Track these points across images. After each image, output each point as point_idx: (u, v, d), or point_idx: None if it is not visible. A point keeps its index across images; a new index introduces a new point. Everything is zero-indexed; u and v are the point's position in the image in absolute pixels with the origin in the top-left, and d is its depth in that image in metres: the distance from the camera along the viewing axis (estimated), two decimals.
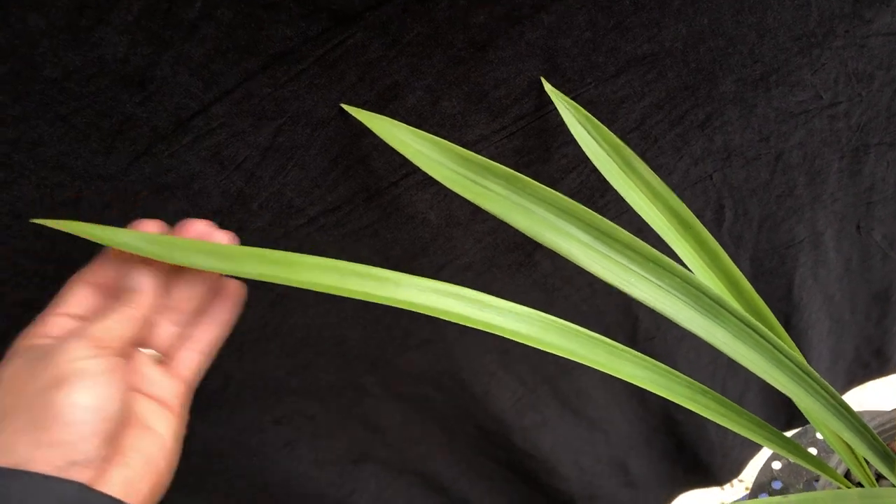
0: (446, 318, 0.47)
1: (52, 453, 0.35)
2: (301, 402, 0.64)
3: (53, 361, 0.37)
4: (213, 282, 0.46)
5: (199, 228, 0.44)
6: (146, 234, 0.42)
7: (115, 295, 0.43)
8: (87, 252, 0.46)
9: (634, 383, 0.52)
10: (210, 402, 0.59)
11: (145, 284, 0.42)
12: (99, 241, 0.41)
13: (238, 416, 0.62)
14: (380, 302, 0.45)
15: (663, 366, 0.54)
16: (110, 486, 0.36)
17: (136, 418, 0.41)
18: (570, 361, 0.79)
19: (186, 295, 0.45)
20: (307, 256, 0.45)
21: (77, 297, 0.42)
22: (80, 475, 0.35)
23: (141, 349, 0.44)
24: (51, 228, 0.43)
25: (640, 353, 0.53)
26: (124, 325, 0.40)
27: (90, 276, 0.43)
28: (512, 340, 0.73)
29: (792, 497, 0.46)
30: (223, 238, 0.45)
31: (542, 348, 0.49)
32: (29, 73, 0.38)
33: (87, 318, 0.41)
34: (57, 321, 0.41)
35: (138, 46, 0.40)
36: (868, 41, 0.63)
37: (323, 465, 0.70)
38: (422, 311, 0.46)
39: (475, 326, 0.47)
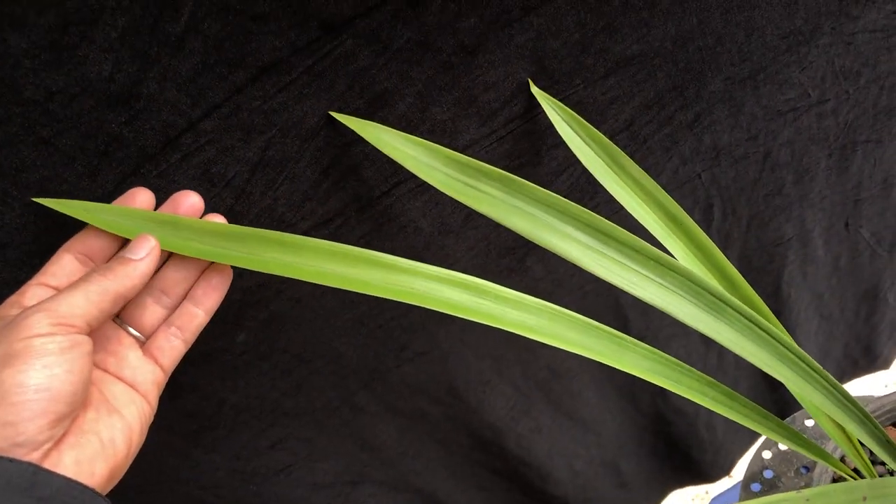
0: (455, 313, 0.46)
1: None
2: (296, 424, 0.62)
3: (10, 336, 0.34)
4: (202, 265, 0.45)
5: (192, 200, 0.43)
6: (149, 214, 0.40)
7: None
8: None
9: (642, 377, 0.51)
10: (205, 426, 0.57)
11: (135, 254, 0.40)
12: (101, 226, 0.40)
13: (233, 442, 0.60)
14: (392, 297, 0.44)
15: (671, 357, 0.54)
16: (60, 469, 0.35)
17: (102, 400, 0.40)
18: (561, 365, 0.79)
19: (177, 276, 0.44)
20: (314, 240, 0.44)
21: (60, 267, 0.40)
22: (26, 457, 0.33)
23: (126, 326, 0.43)
24: (35, 255, 0.42)
25: (646, 345, 0.53)
26: (96, 300, 0.37)
27: (79, 245, 0.41)
28: (505, 345, 0.73)
29: (806, 491, 0.46)
30: (217, 220, 0.44)
31: (551, 342, 0.48)
32: (10, 96, 0.36)
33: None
34: (35, 291, 0.39)
35: (123, 64, 0.38)
36: (854, 38, 0.64)
37: (321, 489, 0.69)
38: (433, 307, 0.45)
39: (484, 321, 0.46)
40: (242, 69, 0.43)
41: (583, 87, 0.56)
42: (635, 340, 0.52)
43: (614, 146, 0.55)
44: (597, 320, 0.76)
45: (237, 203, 0.47)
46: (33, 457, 0.34)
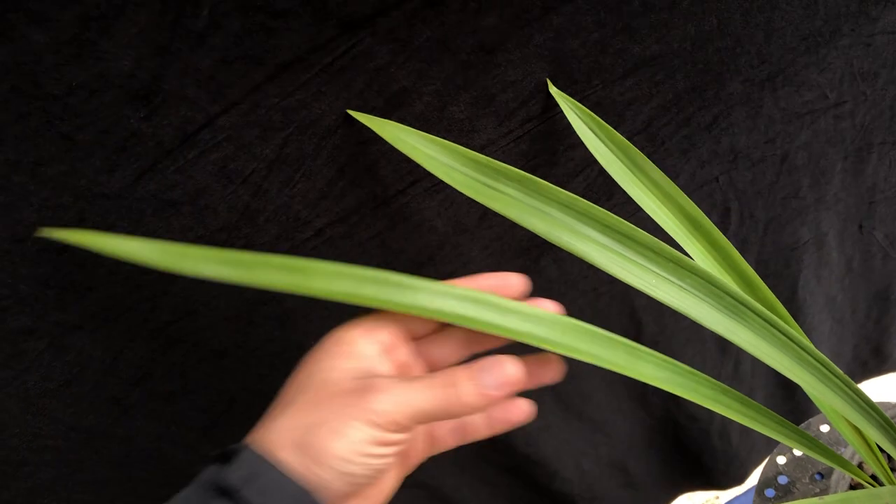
0: (466, 325, 0.45)
1: (308, 477, 0.35)
2: None
3: (365, 411, 0.36)
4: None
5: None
6: (156, 243, 0.39)
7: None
8: (91, 275, 0.44)
9: (657, 385, 0.51)
10: (215, 422, 0.57)
11: (495, 389, 0.39)
12: (109, 253, 0.38)
13: (242, 438, 0.60)
14: (399, 310, 0.44)
15: (684, 366, 0.53)
16: None
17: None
18: (573, 366, 0.79)
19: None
20: (320, 262, 0.43)
21: (391, 327, 0.42)
22: None
23: None
24: (51, 251, 0.42)
25: (659, 354, 0.52)
26: (435, 415, 0.38)
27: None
28: (515, 344, 0.73)
29: (828, 498, 0.46)
30: (549, 307, 0.46)
31: (563, 353, 0.48)
32: (30, 90, 0.36)
33: (390, 351, 0.41)
34: (368, 346, 0.40)
35: (144, 59, 0.38)
36: (874, 39, 0.63)
37: None
38: (441, 319, 0.45)
39: (496, 333, 0.46)
40: (262, 66, 0.42)
41: (601, 88, 0.56)
42: (649, 350, 0.52)
43: (632, 147, 0.54)
44: (610, 323, 0.76)
45: (253, 200, 0.47)
46: None
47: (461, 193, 0.47)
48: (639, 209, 0.55)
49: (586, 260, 0.47)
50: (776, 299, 0.55)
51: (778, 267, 0.81)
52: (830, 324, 0.96)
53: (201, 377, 0.54)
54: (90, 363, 0.48)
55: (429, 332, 0.45)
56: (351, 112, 0.47)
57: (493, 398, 0.39)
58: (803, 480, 0.81)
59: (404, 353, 0.43)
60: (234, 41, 0.41)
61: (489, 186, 0.48)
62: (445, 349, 0.44)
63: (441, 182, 0.48)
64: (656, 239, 0.47)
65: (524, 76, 0.52)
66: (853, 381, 0.49)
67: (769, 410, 0.56)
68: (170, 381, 0.53)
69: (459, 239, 0.59)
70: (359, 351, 0.40)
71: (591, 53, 0.53)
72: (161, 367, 0.52)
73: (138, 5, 0.37)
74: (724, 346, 0.88)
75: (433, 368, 0.45)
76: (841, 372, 0.49)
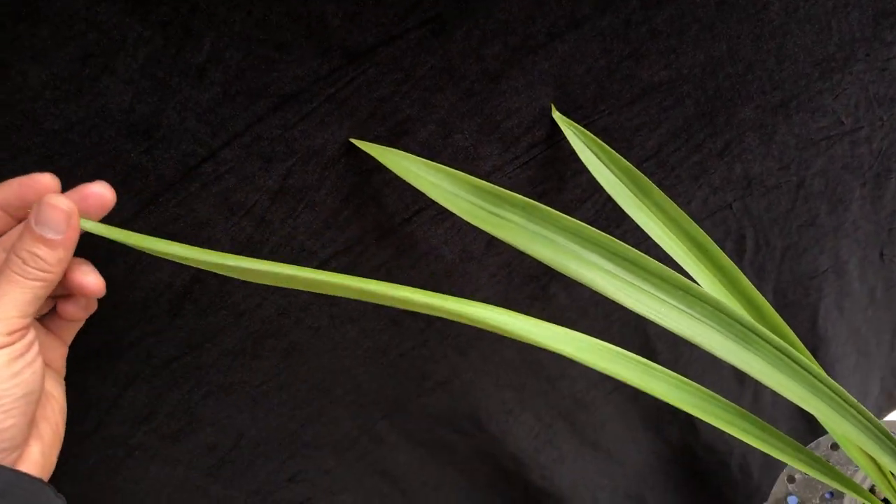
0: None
1: None
2: (316, 455, 0.61)
3: None
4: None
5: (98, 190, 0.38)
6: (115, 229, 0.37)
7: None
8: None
9: (672, 403, 0.50)
10: (223, 460, 0.57)
11: (56, 231, 0.35)
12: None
13: (251, 476, 0.59)
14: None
15: (698, 386, 0.52)
16: (30, 463, 0.36)
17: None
18: (586, 395, 0.78)
19: None
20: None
21: None
22: (6, 460, 0.34)
23: None
24: None
25: (675, 373, 0.51)
26: (40, 294, 0.35)
27: None
28: (527, 375, 0.72)
29: None
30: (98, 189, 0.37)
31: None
32: (29, 127, 0.36)
33: None
34: None
35: (144, 94, 0.38)
36: (889, 64, 0.62)
37: None
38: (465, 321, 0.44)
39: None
40: (264, 98, 0.42)
41: (608, 114, 0.55)
42: (666, 370, 0.51)
43: (638, 172, 0.54)
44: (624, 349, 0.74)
45: (256, 232, 0.47)
46: (11, 458, 0.35)
47: (468, 221, 0.46)
48: (649, 236, 0.54)
49: (593, 288, 0.46)
50: (787, 326, 0.54)
51: (797, 296, 0.79)
52: (856, 357, 0.94)
53: (208, 413, 0.53)
54: (93, 402, 0.48)
55: None
56: (354, 141, 0.47)
57: (70, 239, 0.36)
58: (814, 501, 0.79)
59: None
60: (235, 74, 0.41)
61: (494, 214, 0.47)
62: None
63: (447, 210, 0.47)
64: (664, 266, 0.46)
65: (529, 102, 0.52)
66: (866, 409, 0.48)
67: (786, 436, 0.55)
68: (175, 418, 0.52)
69: (467, 267, 0.59)
70: None
71: (598, 79, 0.53)
72: (166, 404, 0.51)
73: (138, 41, 0.37)
74: (741, 377, 0.86)
75: None
76: (854, 400, 0.47)
